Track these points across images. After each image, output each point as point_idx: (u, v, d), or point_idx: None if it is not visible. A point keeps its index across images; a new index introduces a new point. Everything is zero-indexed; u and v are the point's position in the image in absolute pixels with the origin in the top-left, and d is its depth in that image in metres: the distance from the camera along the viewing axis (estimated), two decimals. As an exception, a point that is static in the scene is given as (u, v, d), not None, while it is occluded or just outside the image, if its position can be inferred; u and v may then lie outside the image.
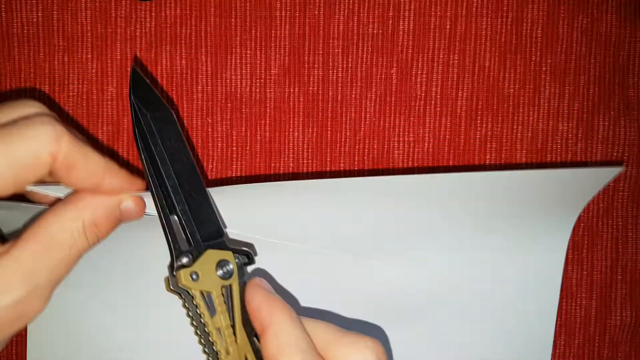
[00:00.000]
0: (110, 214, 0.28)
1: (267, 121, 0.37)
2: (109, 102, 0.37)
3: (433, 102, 0.37)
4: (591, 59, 0.37)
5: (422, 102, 0.37)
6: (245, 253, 0.29)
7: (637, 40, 0.37)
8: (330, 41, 0.37)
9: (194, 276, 0.27)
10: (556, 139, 0.37)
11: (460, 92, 0.37)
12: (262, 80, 0.37)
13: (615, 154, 0.38)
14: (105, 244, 0.28)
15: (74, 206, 0.28)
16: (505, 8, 0.37)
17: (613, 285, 0.38)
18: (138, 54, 0.37)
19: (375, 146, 0.37)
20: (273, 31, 0.37)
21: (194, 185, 0.28)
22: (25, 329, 0.34)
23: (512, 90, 0.37)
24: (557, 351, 0.38)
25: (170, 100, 0.37)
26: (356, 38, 0.37)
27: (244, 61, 0.37)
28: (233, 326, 0.28)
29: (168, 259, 0.28)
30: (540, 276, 0.34)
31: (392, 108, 0.37)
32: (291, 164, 0.37)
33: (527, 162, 0.37)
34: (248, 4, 0.36)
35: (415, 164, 0.37)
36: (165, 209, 0.28)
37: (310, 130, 0.37)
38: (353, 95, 0.37)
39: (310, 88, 0.37)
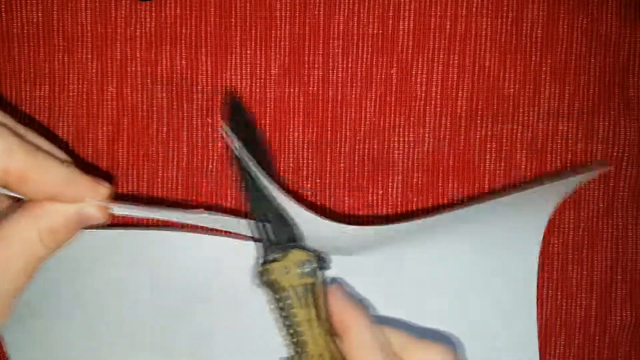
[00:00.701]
0: (69, 221, 0.28)
1: (267, 121, 0.37)
2: (109, 102, 0.37)
3: (433, 102, 0.37)
4: (591, 59, 0.37)
5: (422, 102, 0.37)
6: (324, 256, 0.32)
7: (637, 40, 0.37)
8: (330, 41, 0.37)
9: (285, 270, 0.30)
10: (556, 139, 0.37)
11: (460, 92, 0.37)
12: (262, 80, 0.37)
13: (615, 154, 0.38)
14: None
15: (30, 214, 0.28)
16: (505, 8, 0.37)
17: (613, 285, 0.38)
18: (138, 54, 0.37)
19: (375, 146, 0.37)
20: (273, 31, 0.37)
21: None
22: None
23: (512, 90, 0.37)
24: (557, 351, 0.38)
25: (170, 101, 0.37)
26: (356, 38, 0.37)
27: (243, 61, 0.37)
28: (317, 319, 0.30)
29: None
30: (514, 280, 0.34)
31: (392, 108, 0.37)
32: (291, 164, 0.37)
33: (527, 162, 0.37)
34: (248, 4, 0.36)
35: (415, 164, 0.37)
36: (260, 215, 0.31)
37: (310, 130, 0.37)
38: (353, 96, 0.37)
39: (310, 88, 0.37)
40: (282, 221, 0.31)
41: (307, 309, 0.30)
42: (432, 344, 0.29)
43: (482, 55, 0.37)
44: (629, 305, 0.38)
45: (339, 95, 0.37)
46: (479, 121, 0.37)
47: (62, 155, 0.29)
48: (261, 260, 0.31)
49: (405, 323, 0.34)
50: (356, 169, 0.37)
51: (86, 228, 0.29)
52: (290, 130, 0.37)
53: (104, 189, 0.29)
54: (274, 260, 0.31)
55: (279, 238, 0.31)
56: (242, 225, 0.32)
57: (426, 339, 0.29)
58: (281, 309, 0.31)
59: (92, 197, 0.28)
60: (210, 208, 0.36)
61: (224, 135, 0.30)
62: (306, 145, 0.37)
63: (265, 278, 0.31)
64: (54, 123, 0.37)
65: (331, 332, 0.30)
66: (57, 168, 0.27)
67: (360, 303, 0.30)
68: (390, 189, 0.37)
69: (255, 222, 0.31)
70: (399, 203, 0.37)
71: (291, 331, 0.30)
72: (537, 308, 0.36)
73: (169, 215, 0.31)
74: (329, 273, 0.33)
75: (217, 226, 0.32)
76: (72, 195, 0.28)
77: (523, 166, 0.37)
